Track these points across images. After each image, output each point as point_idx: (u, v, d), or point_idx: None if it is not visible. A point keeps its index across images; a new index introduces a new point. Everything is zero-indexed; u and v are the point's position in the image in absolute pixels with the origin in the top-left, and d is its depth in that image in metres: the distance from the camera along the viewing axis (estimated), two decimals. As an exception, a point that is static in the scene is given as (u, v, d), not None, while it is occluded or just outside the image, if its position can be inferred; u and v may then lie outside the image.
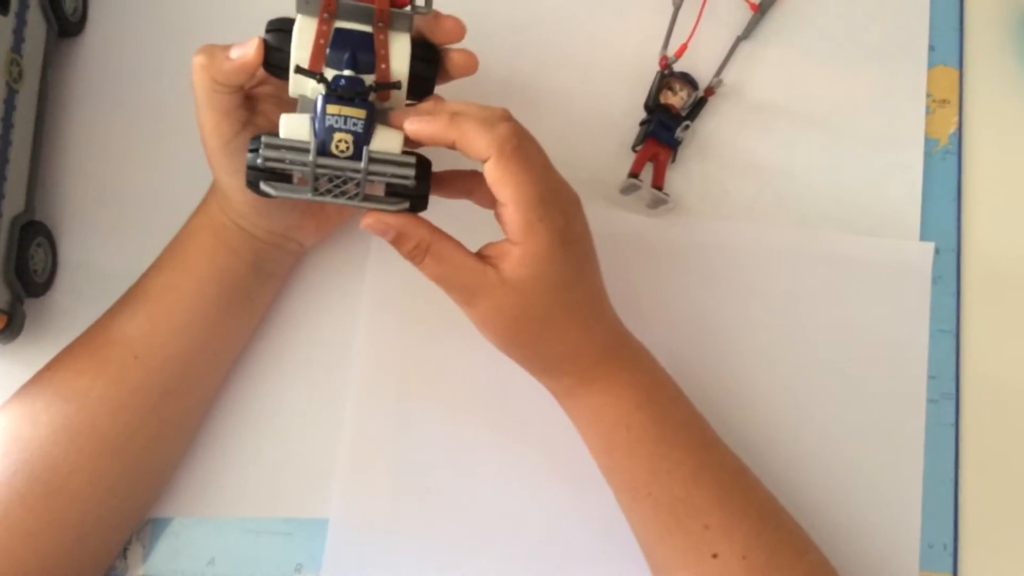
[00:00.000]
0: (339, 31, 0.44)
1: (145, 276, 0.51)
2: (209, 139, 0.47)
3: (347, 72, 0.44)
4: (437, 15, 0.45)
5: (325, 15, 0.44)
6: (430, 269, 0.46)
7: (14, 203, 0.52)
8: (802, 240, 0.57)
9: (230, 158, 0.47)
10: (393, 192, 0.45)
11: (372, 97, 0.44)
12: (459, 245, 0.46)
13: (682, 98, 0.57)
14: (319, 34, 0.44)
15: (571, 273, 0.46)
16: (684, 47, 0.57)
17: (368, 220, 0.45)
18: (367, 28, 0.45)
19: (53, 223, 0.56)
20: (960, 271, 0.57)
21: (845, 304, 0.57)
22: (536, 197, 0.44)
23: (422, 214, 0.46)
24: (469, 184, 0.49)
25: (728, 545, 0.45)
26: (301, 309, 0.55)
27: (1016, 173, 0.59)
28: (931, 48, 0.60)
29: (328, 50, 0.44)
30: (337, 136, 0.43)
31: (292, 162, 0.43)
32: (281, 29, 0.45)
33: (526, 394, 0.54)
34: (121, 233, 0.56)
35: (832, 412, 0.55)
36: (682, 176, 0.58)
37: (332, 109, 0.43)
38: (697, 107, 0.58)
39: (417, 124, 0.44)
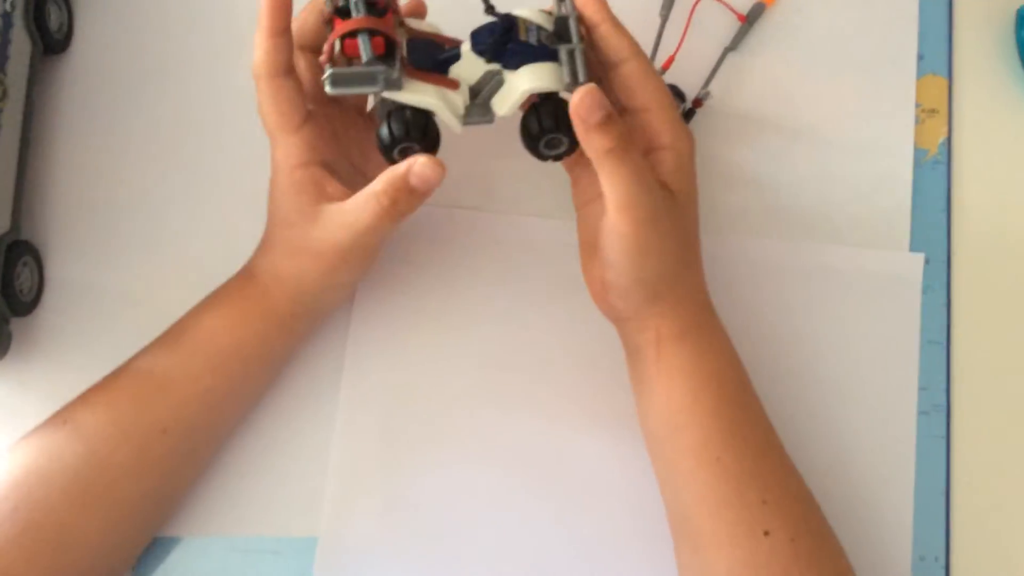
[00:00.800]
0: (410, 49, 0.45)
1: (186, 345, 0.49)
2: (354, 249, 0.47)
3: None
4: None
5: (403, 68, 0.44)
6: (636, 159, 0.43)
7: (0, 222, 0.51)
8: (791, 252, 0.57)
9: (352, 269, 0.49)
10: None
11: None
12: None
13: (670, 110, 0.57)
14: (415, 75, 0.44)
15: (697, 189, 0.48)
16: (671, 59, 0.57)
17: (585, 93, 0.42)
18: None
19: (39, 242, 0.55)
20: (950, 281, 0.57)
21: (835, 316, 0.56)
22: (674, 103, 0.46)
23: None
24: None
25: (781, 524, 0.44)
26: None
27: (1006, 182, 0.58)
28: (920, 57, 0.60)
29: (415, 62, 0.45)
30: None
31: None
32: (395, 116, 0.45)
33: (515, 414, 0.54)
34: (108, 251, 0.56)
35: (822, 425, 0.55)
36: (671, 188, 0.58)
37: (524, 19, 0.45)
38: (686, 119, 0.58)
39: None
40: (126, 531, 0.48)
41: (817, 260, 0.57)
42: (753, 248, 0.57)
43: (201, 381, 0.48)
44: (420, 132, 0.45)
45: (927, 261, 0.57)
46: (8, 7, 0.52)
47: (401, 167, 0.45)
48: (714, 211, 0.58)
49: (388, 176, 0.45)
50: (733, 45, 0.59)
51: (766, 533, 0.44)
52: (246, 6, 0.59)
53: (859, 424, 0.55)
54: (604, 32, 0.45)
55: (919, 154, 0.59)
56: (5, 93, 0.52)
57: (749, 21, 0.59)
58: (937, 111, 0.59)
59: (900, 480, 0.54)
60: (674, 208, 0.45)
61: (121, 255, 0.56)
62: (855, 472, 0.54)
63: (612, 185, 0.43)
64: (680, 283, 0.47)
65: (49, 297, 0.55)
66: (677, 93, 0.57)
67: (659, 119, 0.45)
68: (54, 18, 0.57)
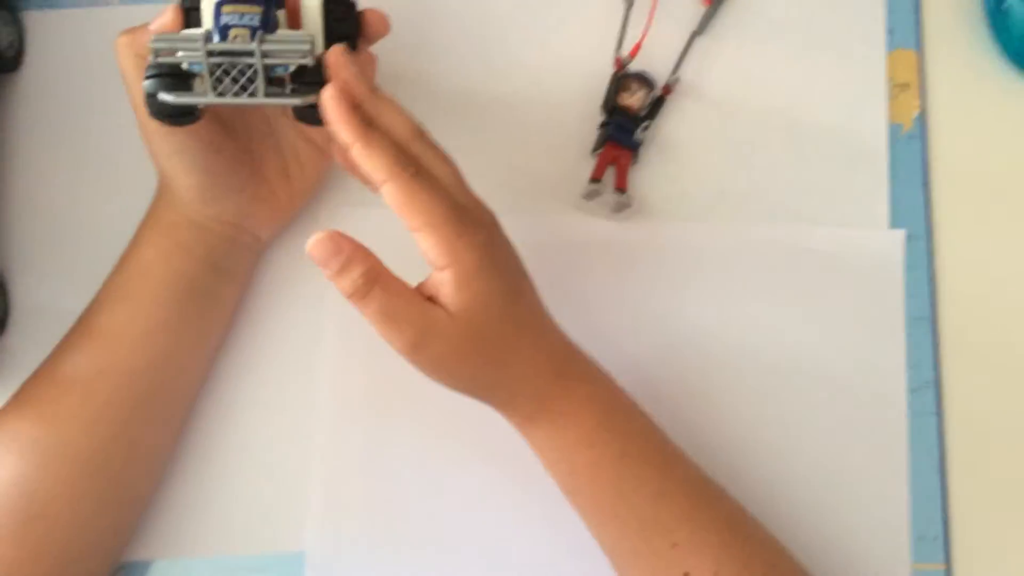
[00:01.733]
0: None
1: (101, 290, 0.50)
2: (145, 119, 0.46)
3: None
4: None
5: None
6: (378, 303, 0.43)
7: (-42, 249, 0.50)
8: (770, 236, 0.56)
9: (168, 138, 0.47)
10: (300, 80, 0.44)
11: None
12: (402, 281, 0.44)
13: (640, 98, 0.56)
14: None
15: (509, 286, 0.45)
16: (638, 46, 0.56)
17: (314, 245, 0.43)
18: None
19: (3, 266, 0.55)
20: (932, 256, 0.56)
21: (818, 299, 0.56)
22: (448, 216, 0.42)
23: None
24: None
25: (699, 562, 0.44)
26: (263, 341, 0.55)
27: (982, 152, 0.58)
28: (889, 31, 0.59)
29: None
30: (233, 32, 0.43)
31: (186, 55, 0.43)
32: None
33: (498, 415, 0.53)
34: (74, 273, 0.55)
35: (812, 409, 0.54)
36: (645, 177, 0.57)
37: (227, 8, 0.43)
38: (656, 106, 0.57)
39: (336, 107, 0.42)
40: (91, 495, 0.47)
41: (796, 242, 0.56)
42: (730, 233, 0.56)
43: (118, 314, 0.49)
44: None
45: (908, 237, 0.56)
46: (-45, 27, 0.51)
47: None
48: (690, 197, 0.57)
49: None
50: (700, 29, 0.58)
51: (685, 574, 0.44)
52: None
53: (849, 406, 0.54)
54: (356, 156, 0.43)
55: (894, 129, 0.58)
56: (-44, 115, 0.51)
57: (715, 5, 0.59)
58: (909, 85, 0.59)
59: (894, 460, 0.54)
60: (456, 331, 0.43)
61: (86, 277, 0.54)
62: (848, 455, 0.54)
63: (368, 321, 0.44)
64: (501, 385, 0.46)
65: (16, 322, 0.55)
66: (646, 81, 0.56)
67: (428, 242, 0.42)
68: (4, 36, 0.56)
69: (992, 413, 0.54)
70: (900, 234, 0.57)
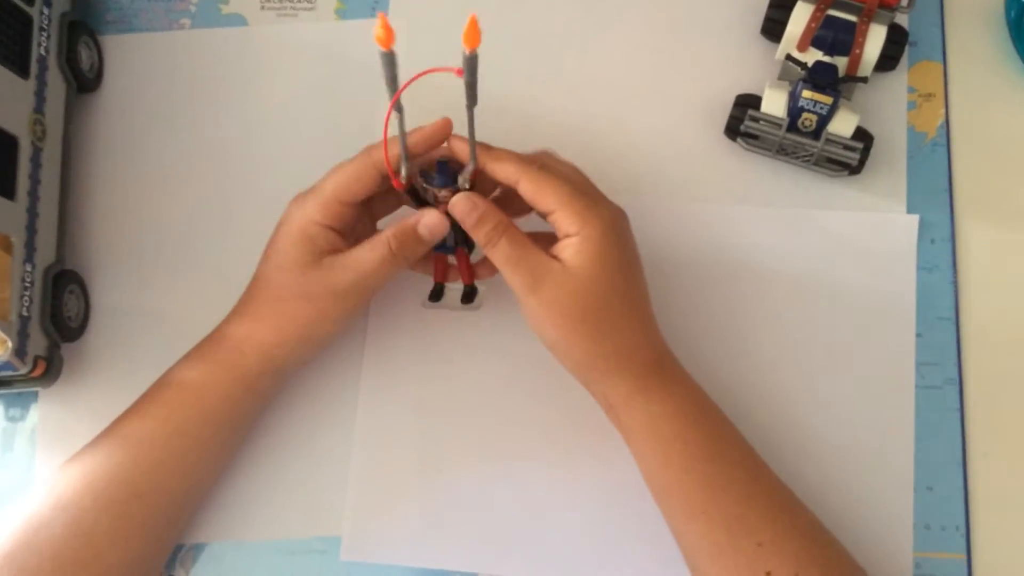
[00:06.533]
0: (829, 17, 0.55)
1: (160, 411, 0.51)
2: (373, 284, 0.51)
3: (825, 58, 0.55)
4: None
5: (822, 5, 0.55)
6: (503, 251, 0.48)
7: (46, 254, 0.55)
8: (787, 218, 0.58)
9: (360, 306, 0.53)
10: (834, 161, 0.56)
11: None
12: (526, 235, 0.49)
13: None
14: (813, 18, 0.56)
15: (625, 265, 0.49)
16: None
17: (455, 203, 0.49)
18: (852, 18, 0.55)
19: (83, 270, 0.59)
20: (955, 259, 0.58)
21: (831, 279, 0.58)
22: (577, 193, 0.48)
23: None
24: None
25: (780, 562, 0.46)
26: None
27: (1004, 159, 0.60)
28: (913, 44, 0.61)
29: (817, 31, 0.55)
30: (805, 115, 0.54)
31: (766, 131, 0.55)
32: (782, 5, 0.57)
33: (535, 406, 0.56)
34: (147, 275, 0.59)
35: (822, 388, 0.56)
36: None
37: (807, 94, 0.54)
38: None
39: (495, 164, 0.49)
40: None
41: (813, 224, 0.58)
42: (746, 216, 0.59)
43: (172, 447, 0.50)
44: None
45: (932, 240, 0.58)
46: (43, 51, 0.56)
47: (411, 218, 0.50)
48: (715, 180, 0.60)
49: (399, 224, 0.50)
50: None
51: (767, 573, 0.46)
52: (265, 42, 0.62)
53: (858, 388, 0.56)
54: (488, 168, 0.49)
55: (919, 137, 0.60)
56: (44, 133, 0.55)
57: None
58: (934, 95, 0.61)
59: (900, 445, 0.55)
60: (568, 284, 0.48)
61: (159, 278, 0.59)
62: (855, 438, 0.55)
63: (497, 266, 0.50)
64: (601, 355, 0.49)
65: (95, 322, 0.58)
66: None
67: (561, 217, 0.48)
68: (85, 58, 0.60)
69: (1011, 410, 0.56)
70: (914, 219, 0.58)
